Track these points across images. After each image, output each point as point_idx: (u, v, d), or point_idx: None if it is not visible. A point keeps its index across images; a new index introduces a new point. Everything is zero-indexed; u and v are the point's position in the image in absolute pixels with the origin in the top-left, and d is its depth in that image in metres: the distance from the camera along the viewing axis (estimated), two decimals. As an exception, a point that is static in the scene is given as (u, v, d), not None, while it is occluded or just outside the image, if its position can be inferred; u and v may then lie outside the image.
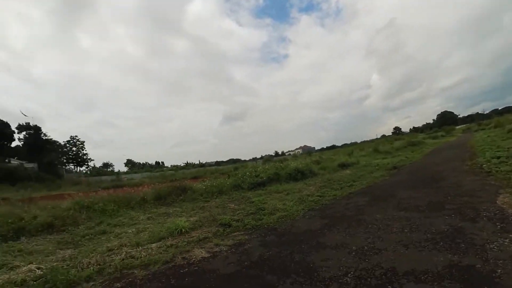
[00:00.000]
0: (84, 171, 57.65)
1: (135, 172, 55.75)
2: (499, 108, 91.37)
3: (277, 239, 4.62)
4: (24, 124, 41.03)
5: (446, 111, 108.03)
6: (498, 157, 9.31)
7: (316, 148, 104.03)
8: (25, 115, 52.70)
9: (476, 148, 14.58)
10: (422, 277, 2.71)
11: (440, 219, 4.40)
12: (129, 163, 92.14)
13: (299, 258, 3.67)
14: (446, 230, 3.91)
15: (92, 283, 3.48)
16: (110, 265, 3.97)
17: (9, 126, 40.06)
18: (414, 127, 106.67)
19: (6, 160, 34.54)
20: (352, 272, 3.02)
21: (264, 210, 6.58)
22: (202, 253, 4.24)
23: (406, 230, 4.13)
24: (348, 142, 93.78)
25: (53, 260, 4.32)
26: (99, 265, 3.99)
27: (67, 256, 4.53)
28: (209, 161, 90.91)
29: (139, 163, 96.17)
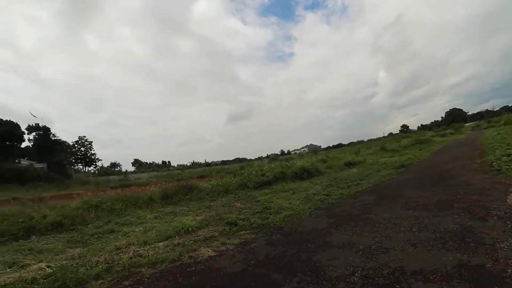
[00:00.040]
0: (92, 171, 58.51)
1: (142, 172, 56.38)
2: (510, 105, 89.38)
3: (283, 238, 4.62)
4: (34, 125, 41.76)
5: (454, 108, 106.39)
6: (509, 155, 9.11)
7: (322, 147, 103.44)
8: (35, 116, 53.90)
9: (486, 146, 14.32)
10: (431, 277, 2.68)
11: (449, 218, 4.34)
12: (136, 162, 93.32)
13: (305, 257, 3.66)
14: (455, 229, 3.86)
15: (100, 281, 3.53)
16: (118, 263, 4.02)
17: (19, 127, 40.76)
18: (422, 125, 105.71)
19: (16, 161, 35.36)
20: (359, 272, 3.00)
21: (270, 209, 6.58)
22: (208, 252, 4.26)
23: (414, 229, 4.08)
24: (355, 141, 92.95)
25: (62, 259, 4.39)
26: (108, 263, 4.05)
27: (76, 254, 4.60)
28: (215, 160, 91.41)
29: (146, 162, 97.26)
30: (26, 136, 42.12)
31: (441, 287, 2.50)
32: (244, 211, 6.79)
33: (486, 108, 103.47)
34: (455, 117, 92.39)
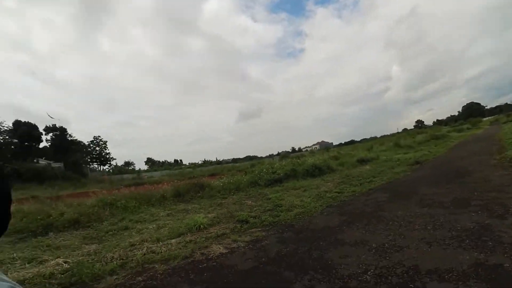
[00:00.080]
0: (107, 169, 59.83)
1: (155, 170, 57.26)
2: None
3: (294, 235, 4.60)
4: (51, 126, 43.23)
5: (472, 102, 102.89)
6: (530, 150, 8.77)
7: (334, 144, 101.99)
8: (52, 117, 55.63)
9: (505, 141, 13.79)
10: (446, 276, 2.61)
11: (466, 216, 4.21)
12: (149, 161, 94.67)
13: (317, 255, 3.63)
14: (472, 227, 3.74)
15: (115, 277, 3.61)
16: (132, 259, 4.11)
17: (37, 128, 42.17)
18: (437, 120, 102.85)
19: (35, 161, 36.54)
20: (372, 270, 2.96)
21: (281, 206, 6.55)
22: (220, 249, 4.29)
23: (429, 227, 3.98)
24: (368, 137, 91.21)
25: (79, 255, 4.52)
26: (122, 259, 4.14)
27: (92, 250, 4.72)
28: (226, 158, 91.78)
29: (159, 161, 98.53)
30: (44, 137, 43.66)
31: (457, 287, 2.43)
32: (255, 208, 6.79)
33: (505, 102, 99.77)
34: (472, 111, 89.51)
